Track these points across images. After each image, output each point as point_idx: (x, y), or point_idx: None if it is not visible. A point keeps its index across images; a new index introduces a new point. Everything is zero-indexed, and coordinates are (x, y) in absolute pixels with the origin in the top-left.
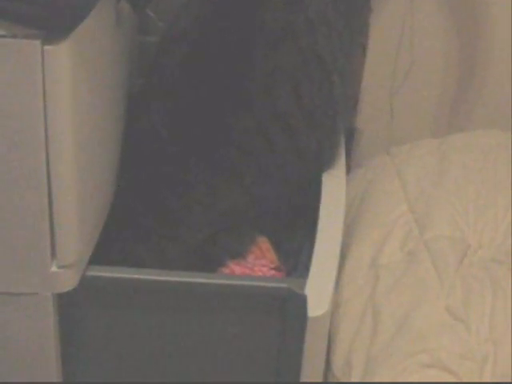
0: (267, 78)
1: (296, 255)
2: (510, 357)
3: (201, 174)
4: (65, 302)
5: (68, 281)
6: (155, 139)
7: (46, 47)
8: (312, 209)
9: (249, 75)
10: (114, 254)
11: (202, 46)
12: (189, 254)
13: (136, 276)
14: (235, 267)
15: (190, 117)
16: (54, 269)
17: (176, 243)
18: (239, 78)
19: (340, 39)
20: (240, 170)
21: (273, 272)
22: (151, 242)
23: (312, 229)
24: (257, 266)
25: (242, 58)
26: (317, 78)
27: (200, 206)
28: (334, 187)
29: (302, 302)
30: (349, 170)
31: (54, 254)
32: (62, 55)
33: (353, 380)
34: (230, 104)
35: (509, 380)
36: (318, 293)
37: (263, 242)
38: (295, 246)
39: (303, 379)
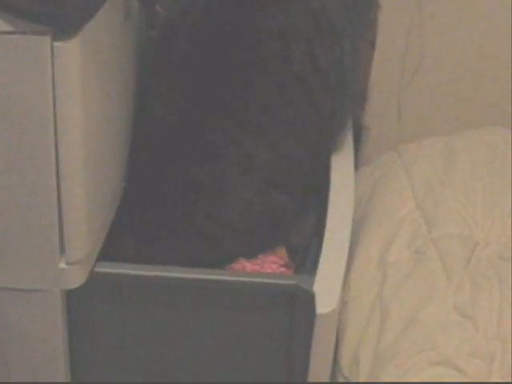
0: (281, 39)
1: (304, 251)
2: None
3: (227, 135)
4: (73, 299)
5: (76, 277)
6: (176, 110)
7: (56, 43)
8: (321, 205)
9: (262, 36)
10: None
11: (210, 13)
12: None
13: (144, 272)
14: (246, 263)
15: (206, 83)
16: (62, 265)
17: (218, 223)
18: (251, 39)
19: (348, 14)
20: (263, 126)
21: (283, 269)
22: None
23: (320, 225)
24: (266, 263)
25: (253, 18)
26: (328, 41)
27: (235, 167)
28: (342, 185)
29: (310, 299)
30: (357, 167)
31: (62, 251)
32: (71, 51)
33: (360, 377)
34: (245, 67)
35: None
36: (326, 290)
37: None
38: (303, 242)
39: (311, 376)
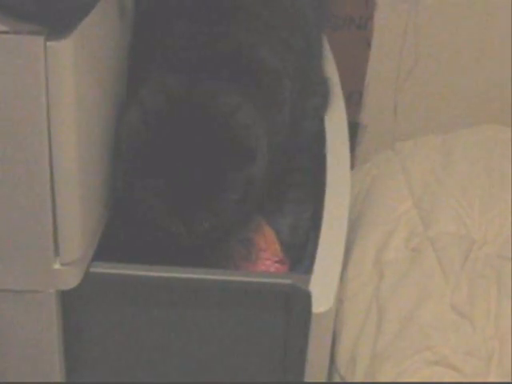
0: None
1: (300, 247)
2: None
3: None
4: (68, 299)
5: (71, 278)
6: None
7: (50, 43)
8: (316, 201)
9: None
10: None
11: None
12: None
13: (140, 273)
14: (240, 260)
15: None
16: (57, 266)
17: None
18: None
19: None
20: (273, 24)
21: (277, 265)
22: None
23: (316, 220)
24: (260, 260)
25: None
26: None
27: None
28: (338, 183)
29: (306, 298)
30: (353, 165)
31: (56, 251)
32: (65, 51)
33: (357, 376)
34: None
35: None
36: (322, 289)
37: (269, 233)
38: (298, 238)
39: (308, 375)
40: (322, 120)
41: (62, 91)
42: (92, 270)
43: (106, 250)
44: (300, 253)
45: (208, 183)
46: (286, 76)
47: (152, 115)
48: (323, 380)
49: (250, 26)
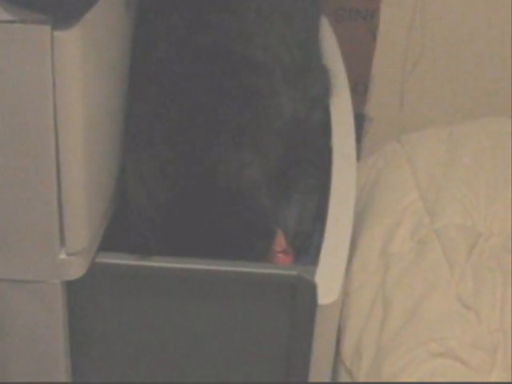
0: None
1: (306, 236)
2: None
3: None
4: (73, 290)
5: (77, 268)
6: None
7: (56, 33)
8: (322, 191)
9: None
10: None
11: None
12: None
13: (145, 263)
14: None
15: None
16: (62, 256)
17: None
18: None
19: None
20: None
21: (281, 256)
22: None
23: (323, 213)
24: None
25: None
26: None
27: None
28: (344, 174)
29: (312, 289)
30: (359, 157)
31: (62, 242)
32: (71, 41)
33: (362, 368)
34: None
35: None
36: (328, 280)
37: None
38: (302, 227)
39: (313, 367)
40: (325, 110)
41: (68, 80)
42: (97, 260)
43: (113, 240)
44: (306, 242)
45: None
46: (279, 68)
47: None
48: (328, 371)
49: (245, 17)
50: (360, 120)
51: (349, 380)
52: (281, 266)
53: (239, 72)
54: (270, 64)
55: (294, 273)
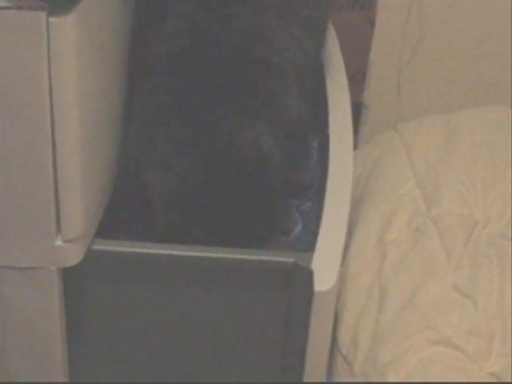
0: None
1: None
2: None
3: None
4: (70, 277)
5: (73, 255)
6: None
7: (52, 19)
8: (319, 183)
9: None
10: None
11: None
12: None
13: (142, 250)
14: None
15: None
16: (58, 243)
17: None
18: None
19: None
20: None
21: None
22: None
23: (320, 200)
24: None
25: None
26: None
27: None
28: (341, 162)
29: (308, 276)
30: (356, 145)
31: (58, 228)
32: (67, 27)
33: (359, 356)
34: None
35: None
36: (324, 267)
37: None
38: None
39: (309, 354)
40: None
41: (64, 67)
42: (94, 247)
43: (109, 227)
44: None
45: None
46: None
47: None
48: (325, 359)
49: (265, 17)
50: (357, 108)
51: (345, 367)
52: (277, 252)
53: (253, 73)
54: (285, 67)
55: (290, 260)
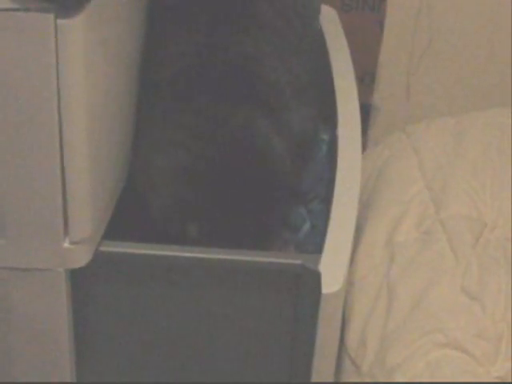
0: None
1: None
2: None
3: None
4: (77, 278)
5: (81, 256)
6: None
7: (60, 21)
8: (327, 185)
9: None
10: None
11: None
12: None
13: (150, 251)
14: None
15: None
16: (66, 244)
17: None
18: None
19: None
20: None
21: None
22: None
23: (328, 202)
24: None
25: None
26: None
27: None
28: (349, 164)
29: (316, 278)
30: (365, 147)
31: (66, 230)
32: (75, 29)
33: (367, 358)
34: None
35: None
36: (332, 269)
37: None
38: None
39: (317, 357)
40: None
41: (72, 69)
42: (101, 248)
43: (118, 228)
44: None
45: None
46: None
47: None
48: (333, 360)
49: (259, 36)
50: (366, 110)
51: (353, 369)
52: (285, 254)
53: (251, 87)
54: (281, 84)
55: (298, 262)
